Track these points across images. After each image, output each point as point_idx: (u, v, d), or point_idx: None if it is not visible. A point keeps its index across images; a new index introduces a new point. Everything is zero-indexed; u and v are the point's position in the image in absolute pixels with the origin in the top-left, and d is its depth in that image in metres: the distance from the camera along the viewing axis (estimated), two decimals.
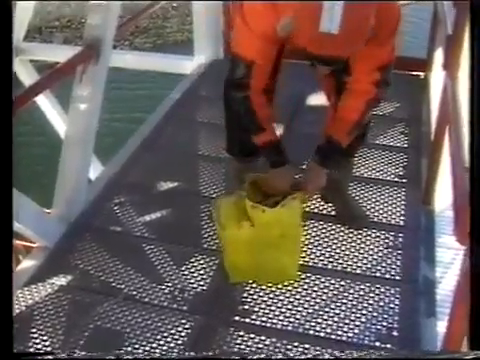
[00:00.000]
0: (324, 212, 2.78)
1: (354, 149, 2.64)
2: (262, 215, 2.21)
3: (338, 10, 1.78)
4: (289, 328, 2.24)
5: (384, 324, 2.23)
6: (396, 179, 3.02)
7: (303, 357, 2.10)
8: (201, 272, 2.49)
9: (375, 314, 2.28)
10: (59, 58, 3.57)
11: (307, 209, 2.71)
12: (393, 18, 2.10)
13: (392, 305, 2.31)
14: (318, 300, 2.34)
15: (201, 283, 2.44)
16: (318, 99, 3.27)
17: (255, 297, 2.37)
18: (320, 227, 2.70)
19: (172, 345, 2.18)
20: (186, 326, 2.25)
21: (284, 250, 2.32)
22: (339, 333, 2.21)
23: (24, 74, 4.75)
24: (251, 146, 2.44)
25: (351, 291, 2.38)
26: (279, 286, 2.40)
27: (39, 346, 2.19)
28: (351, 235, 2.66)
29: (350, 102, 2.28)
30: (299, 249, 2.45)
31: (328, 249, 2.59)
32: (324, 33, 1.81)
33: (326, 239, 2.64)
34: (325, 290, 2.39)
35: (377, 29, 1.95)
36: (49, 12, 10.67)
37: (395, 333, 2.20)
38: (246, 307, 2.33)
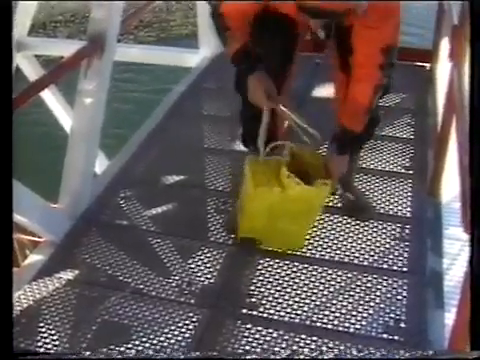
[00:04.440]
0: (330, 204, 2.77)
1: (368, 136, 2.66)
2: (294, 187, 2.26)
3: None
4: (296, 321, 2.24)
5: (391, 316, 2.23)
6: (402, 170, 3.01)
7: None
8: (208, 265, 2.49)
9: (382, 306, 2.28)
10: (63, 53, 3.57)
11: None
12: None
13: (399, 297, 2.31)
14: (325, 292, 2.34)
15: (208, 276, 2.44)
16: (323, 92, 3.26)
17: (262, 290, 2.37)
18: (327, 219, 2.70)
19: (179, 338, 2.18)
20: (193, 319, 2.25)
21: (297, 223, 2.42)
22: (346, 325, 2.21)
23: (29, 69, 4.75)
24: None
25: (358, 283, 2.38)
26: (286, 278, 2.41)
27: (47, 340, 2.20)
28: (358, 227, 2.66)
29: (357, 89, 2.31)
30: (311, 223, 2.54)
31: (335, 241, 2.58)
32: None
33: (333, 231, 2.64)
34: (332, 282, 2.39)
35: (369, 10, 1.98)
36: (53, 6, 10.66)
37: (402, 325, 2.19)
38: (253, 300, 2.33)
